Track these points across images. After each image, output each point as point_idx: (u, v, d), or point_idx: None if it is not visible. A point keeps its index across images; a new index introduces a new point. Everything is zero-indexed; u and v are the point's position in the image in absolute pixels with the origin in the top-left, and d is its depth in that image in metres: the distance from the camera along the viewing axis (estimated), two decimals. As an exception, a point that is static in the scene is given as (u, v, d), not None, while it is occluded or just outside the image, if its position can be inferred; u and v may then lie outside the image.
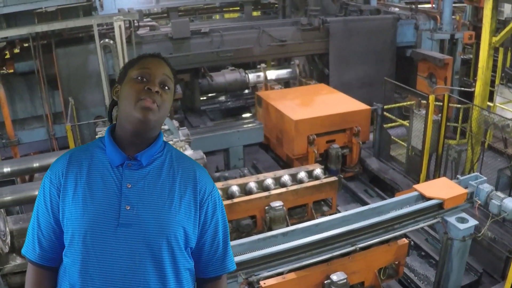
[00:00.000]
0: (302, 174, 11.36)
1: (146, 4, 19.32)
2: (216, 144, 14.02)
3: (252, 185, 10.89)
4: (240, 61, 17.94)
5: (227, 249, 3.19)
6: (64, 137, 13.36)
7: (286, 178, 11.21)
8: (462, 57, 18.07)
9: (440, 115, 12.47)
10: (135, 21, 14.40)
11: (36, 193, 3.02)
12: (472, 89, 14.23)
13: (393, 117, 14.99)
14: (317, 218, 9.74)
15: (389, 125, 15.13)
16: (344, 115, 13.90)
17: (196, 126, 16.57)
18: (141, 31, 15.69)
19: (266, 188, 10.94)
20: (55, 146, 14.42)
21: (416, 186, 8.51)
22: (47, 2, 12.91)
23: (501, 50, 15.50)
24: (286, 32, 17.29)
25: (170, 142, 9.63)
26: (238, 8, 23.00)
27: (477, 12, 18.73)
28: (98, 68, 13.23)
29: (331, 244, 7.37)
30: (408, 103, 15.46)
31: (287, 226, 9.91)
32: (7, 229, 7.74)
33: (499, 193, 8.25)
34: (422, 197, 8.23)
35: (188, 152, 9.68)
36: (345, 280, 7.44)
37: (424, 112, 12.61)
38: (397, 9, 20.31)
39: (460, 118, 15.01)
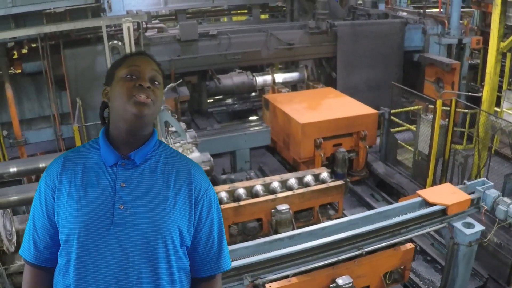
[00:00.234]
0: (308, 178, 11.35)
1: (154, 6, 19.32)
2: (223, 146, 14.02)
3: (259, 188, 10.88)
4: (248, 64, 17.91)
5: (222, 249, 3.19)
6: (71, 137, 13.38)
7: (292, 181, 11.20)
8: (469, 62, 18.05)
9: (447, 120, 12.45)
10: (144, 23, 14.40)
11: (42, 193, 3.04)
12: (480, 94, 14.22)
13: (400, 122, 14.96)
14: (323, 222, 9.71)
15: (396, 129, 15.09)
16: (351, 119, 13.90)
17: (203, 128, 16.55)
18: (149, 33, 15.69)
19: (273, 191, 10.93)
20: (62, 146, 14.43)
21: (419, 192, 8.47)
22: (55, 3, 12.92)
23: (508, 55, 15.50)
24: (294, 35, 17.28)
25: (177, 144, 9.65)
26: (246, 11, 23.00)
27: (485, 17, 18.70)
28: (105, 69, 13.20)
29: (337, 248, 7.35)
30: (415, 107, 15.42)
31: (293, 229, 9.88)
32: (13, 228, 7.76)
33: (505, 199, 8.23)
34: (426, 203, 8.19)
35: (195, 154, 9.68)
36: (350, 284, 7.44)
37: (431, 116, 12.59)
38: (405, 13, 20.27)
39: (467, 123, 14.99)
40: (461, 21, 18.07)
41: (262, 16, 22.50)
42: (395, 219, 7.77)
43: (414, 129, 13.89)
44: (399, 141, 14.77)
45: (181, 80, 13.60)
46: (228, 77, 18.01)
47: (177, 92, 15.40)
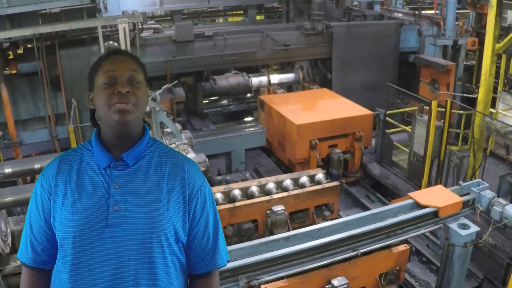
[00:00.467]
0: (304, 179, 11.35)
1: (149, 7, 19.34)
2: (218, 147, 14.02)
3: (254, 189, 10.88)
4: (243, 65, 17.89)
5: (218, 245, 3.17)
6: (66, 138, 13.38)
7: (288, 182, 11.20)
8: (465, 63, 18.10)
9: (442, 121, 12.47)
10: (139, 24, 14.40)
11: (38, 194, 3.04)
12: (475, 95, 14.22)
13: (396, 123, 14.97)
14: (318, 223, 9.72)
15: (391, 130, 15.10)
16: (346, 120, 13.90)
17: (198, 129, 16.55)
18: (144, 34, 15.68)
19: (268, 192, 10.93)
20: (57, 147, 14.42)
21: (411, 194, 8.45)
22: (51, 3, 12.91)
23: (504, 56, 15.51)
24: (289, 36, 17.29)
25: (173, 145, 9.63)
26: (242, 12, 23.06)
27: (481, 18, 18.77)
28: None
29: (333, 249, 7.36)
30: (411, 108, 15.44)
31: (289, 230, 9.90)
32: (8, 229, 7.73)
33: (501, 200, 8.24)
34: (417, 205, 8.18)
35: (191, 155, 9.66)
36: (346, 285, 7.44)
37: (426, 118, 12.60)
38: (400, 14, 20.32)
39: (462, 124, 15.00)
40: (456, 23, 18.11)
41: (258, 17, 22.56)
42: (390, 220, 7.77)
43: (410, 130, 13.89)
44: (394, 142, 14.77)
45: (176, 81, 13.58)
46: (224, 78, 18.02)
47: (172, 93, 15.40)
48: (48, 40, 13.86)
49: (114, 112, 2.80)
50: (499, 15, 11.96)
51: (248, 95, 19.95)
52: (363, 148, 14.19)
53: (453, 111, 13.33)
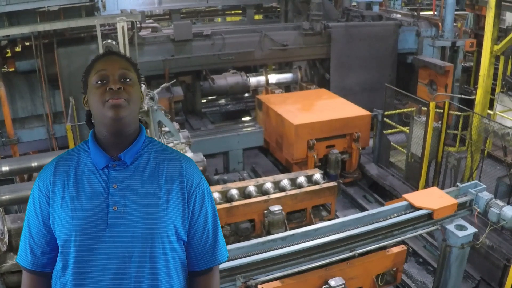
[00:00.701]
0: (301, 179, 11.34)
1: (148, 6, 19.36)
2: (216, 147, 14.02)
3: (251, 188, 10.86)
4: (242, 65, 17.92)
5: (217, 241, 3.18)
6: (64, 136, 13.37)
7: (285, 182, 11.19)
8: (463, 64, 18.12)
9: (440, 122, 12.46)
10: (138, 22, 14.39)
11: (35, 192, 3.03)
12: (473, 97, 14.23)
13: (393, 124, 14.99)
14: (315, 223, 9.72)
15: (389, 131, 15.12)
16: (344, 121, 13.91)
17: (197, 128, 16.55)
18: (143, 33, 15.68)
19: (265, 192, 10.92)
20: (55, 145, 14.42)
21: (405, 196, 8.42)
22: (49, 1, 12.92)
23: (502, 58, 15.53)
24: (287, 36, 17.30)
25: (171, 145, 9.62)
26: (240, 11, 23.03)
27: (479, 20, 18.80)
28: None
29: (330, 249, 7.35)
30: (409, 109, 15.45)
31: (286, 230, 9.88)
32: (5, 228, 7.72)
33: (498, 201, 8.23)
34: (411, 207, 8.17)
35: (189, 154, 9.65)
36: (343, 286, 7.43)
37: (424, 119, 12.60)
38: (399, 15, 20.34)
39: (460, 125, 15.02)
40: (455, 24, 18.13)
41: (256, 17, 22.55)
42: (383, 222, 7.76)
43: (407, 131, 13.90)
44: (392, 143, 14.79)
45: (174, 80, 13.58)
46: (222, 78, 18.03)
47: (171, 92, 15.40)
48: (46, 38, 13.86)
49: (108, 108, 2.81)
50: (498, 16, 11.96)
51: (246, 94, 19.96)
52: (360, 148, 14.21)
53: (451, 112, 13.36)
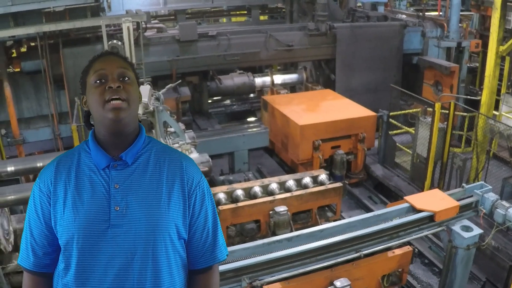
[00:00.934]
0: (307, 179, 11.33)
1: (153, 6, 19.37)
2: (221, 147, 14.01)
3: (257, 189, 10.87)
4: (247, 65, 17.92)
5: (217, 239, 3.19)
6: (69, 137, 13.38)
7: (290, 183, 11.19)
8: (468, 65, 18.08)
9: (445, 123, 12.45)
10: (143, 23, 14.40)
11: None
12: (478, 98, 14.22)
13: (399, 124, 14.97)
14: (321, 224, 9.72)
15: (395, 132, 15.10)
16: (349, 121, 13.90)
17: (204, 128, 16.56)
18: (148, 33, 15.70)
19: (271, 193, 10.92)
20: (60, 146, 14.44)
21: (407, 198, 8.37)
22: (55, 2, 12.94)
23: (507, 59, 15.48)
24: (293, 37, 17.30)
25: (176, 145, 9.63)
26: (246, 12, 23.03)
27: (484, 20, 18.74)
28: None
29: (335, 250, 7.34)
30: (414, 110, 15.43)
31: (291, 231, 9.89)
32: (11, 228, 7.74)
33: (504, 202, 8.21)
34: (413, 209, 8.13)
35: (194, 155, 9.67)
36: (348, 287, 7.42)
37: (429, 119, 12.59)
38: (404, 16, 20.33)
39: (466, 126, 14.98)
40: (460, 24, 18.10)
41: (262, 17, 22.56)
42: (388, 223, 7.74)
43: (413, 131, 13.88)
44: (397, 144, 14.77)
45: (180, 81, 13.58)
46: (229, 78, 18.04)
47: (178, 92, 15.41)
48: (51, 39, 13.88)
49: (108, 110, 2.81)
50: (503, 17, 11.94)
51: (251, 95, 19.96)
52: (366, 149, 14.18)
53: (456, 113, 13.34)
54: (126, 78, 2.93)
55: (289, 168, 14.63)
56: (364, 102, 15.33)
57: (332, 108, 14.80)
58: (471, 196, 8.44)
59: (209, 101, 18.99)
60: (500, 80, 14.22)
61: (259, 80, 18.26)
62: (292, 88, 19.04)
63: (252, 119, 19.13)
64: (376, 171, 14.50)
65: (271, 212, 10.52)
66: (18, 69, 14.37)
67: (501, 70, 13.87)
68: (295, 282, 7.20)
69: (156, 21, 18.81)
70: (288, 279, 7.14)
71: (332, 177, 12.89)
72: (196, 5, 20.98)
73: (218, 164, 14.25)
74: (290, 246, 7.14)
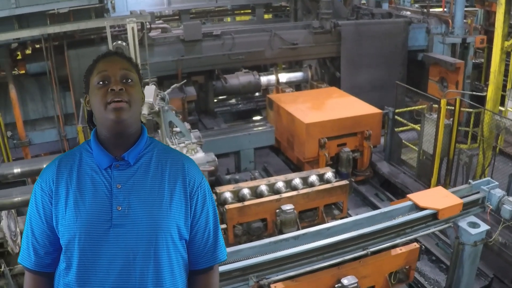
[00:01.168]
0: (313, 178, 11.34)
1: (157, 7, 19.40)
2: (227, 146, 14.01)
3: (263, 188, 10.88)
4: (252, 64, 17.89)
5: (218, 240, 3.21)
6: (75, 138, 13.41)
7: (297, 181, 11.19)
8: (473, 61, 18.05)
9: (451, 119, 12.43)
10: (147, 23, 14.41)
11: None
12: (484, 94, 14.19)
13: (405, 121, 14.94)
14: (328, 222, 9.72)
15: (400, 129, 15.07)
16: (355, 119, 13.89)
17: (210, 128, 16.57)
18: (152, 33, 15.70)
19: (277, 191, 10.92)
20: (66, 147, 14.46)
21: (410, 196, 8.32)
22: (59, 3, 12.95)
23: (513, 54, 15.48)
24: (297, 35, 17.28)
25: (182, 145, 9.64)
26: (250, 11, 23.05)
27: (489, 16, 18.70)
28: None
29: (342, 248, 7.33)
30: (420, 107, 15.41)
31: (298, 229, 9.88)
32: (18, 229, 7.76)
33: (511, 198, 8.19)
34: (416, 207, 8.09)
35: (200, 154, 9.68)
36: (356, 284, 7.42)
37: (435, 116, 12.57)
38: (408, 12, 20.29)
39: (472, 122, 14.95)
40: (465, 20, 18.06)
41: (266, 16, 22.57)
42: (394, 220, 7.73)
43: (419, 128, 13.86)
44: (403, 141, 14.74)
45: (185, 81, 13.59)
46: (235, 77, 18.02)
47: (184, 92, 15.43)
48: (56, 40, 13.91)
49: (110, 111, 2.82)
50: (508, 12, 11.92)
51: (257, 94, 19.94)
52: (372, 146, 14.17)
53: (462, 109, 13.30)
54: (129, 80, 2.93)
55: (295, 167, 14.62)
56: (369, 99, 15.31)
57: (337, 106, 14.80)
58: (478, 192, 8.43)
59: (215, 100, 18.99)
60: (506, 75, 14.22)
61: (264, 79, 18.23)
62: (297, 86, 19.01)
63: (257, 118, 19.13)
64: (382, 168, 14.50)
65: (277, 210, 10.52)
66: (23, 71, 14.39)
67: (507, 65, 13.86)
68: (302, 280, 7.21)
69: (160, 21, 18.80)
70: (295, 278, 7.15)
71: (338, 175, 12.87)
72: (200, 4, 20.99)
73: (224, 163, 14.26)
74: (297, 245, 7.14)
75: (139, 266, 2.84)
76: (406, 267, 8.44)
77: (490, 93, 12.49)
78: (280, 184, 11.02)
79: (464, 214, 8.18)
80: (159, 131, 9.48)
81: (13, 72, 14.15)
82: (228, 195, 10.60)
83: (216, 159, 9.96)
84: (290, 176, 11.54)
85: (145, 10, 15.42)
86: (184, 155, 3.18)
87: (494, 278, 10.17)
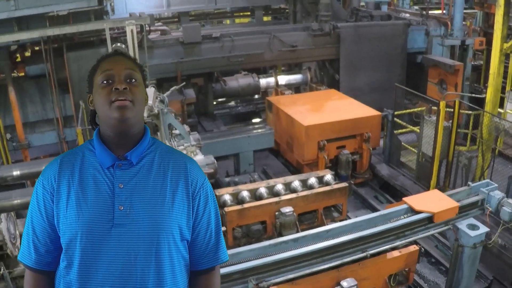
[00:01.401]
0: (312, 180, 11.34)
1: (157, 9, 19.40)
2: (226, 149, 14.02)
3: (262, 190, 10.88)
4: (251, 66, 17.90)
5: (220, 240, 3.20)
6: (74, 140, 13.40)
7: (296, 183, 11.19)
8: (472, 63, 18.04)
9: (450, 121, 12.44)
10: (147, 26, 14.41)
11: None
12: (483, 96, 14.20)
13: (404, 123, 14.93)
14: (327, 224, 9.72)
15: (400, 131, 15.07)
16: (354, 121, 13.90)
17: (209, 130, 16.57)
18: (152, 36, 15.71)
19: (276, 194, 10.93)
20: (66, 149, 14.42)
21: (405, 199, 8.32)
22: (58, 6, 12.93)
23: (512, 56, 15.48)
24: (297, 37, 17.28)
25: (181, 147, 9.64)
26: (249, 13, 23.05)
27: (488, 18, 18.72)
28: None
29: (342, 250, 7.34)
30: (419, 109, 15.43)
31: (297, 232, 9.90)
32: (17, 232, 7.76)
33: (510, 200, 8.19)
34: (412, 211, 8.08)
35: (199, 157, 9.67)
36: (355, 287, 7.43)
37: (434, 118, 12.58)
38: (407, 15, 20.31)
39: (471, 124, 14.95)
40: (464, 22, 18.07)
41: (265, 18, 22.57)
42: (393, 223, 7.73)
43: (418, 130, 13.86)
44: (402, 143, 14.74)
45: (184, 83, 13.59)
46: (234, 79, 18.02)
47: (183, 94, 15.43)
48: (55, 43, 13.89)
49: (114, 109, 2.82)
50: (507, 14, 11.92)
51: (256, 96, 19.96)
52: (371, 149, 14.19)
53: (461, 111, 13.30)
54: (133, 80, 2.93)
55: (295, 169, 14.63)
56: (368, 101, 15.33)
57: (336, 108, 14.81)
58: (477, 194, 8.43)
59: (214, 102, 19.00)
60: (505, 77, 14.21)
61: (263, 81, 18.25)
62: (296, 88, 19.05)
63: (257, 120, 19.12)
64: (382, 170, 14.51)
65: (277, 213, 10.53)
66: (23, 74, 14.39)
67: (506, 67, 13.86)
68: (301, 282, 7.21)
69: (159, 23, 18.84)
70: (294, 280, 7.15)
71: (338, 177, 12.90)
72: (200, 7, 20.99)
73: (223, 166, 14.26)
74: (297, 247, 7.15)
75: (140, 266, 2.83)
76: (406, 269, 8.45)
77: (489, 95, 12.49)
78: (279, 187, 11.02)
79: (463, 216, 8.18)
80: (158, 133, 9.48)
81: (13, 74, 14.14)
82: (227, 197, 10.60)
83: (216, 161, 9.95)
84: (289, 178, 11.54)
85: (145, 12, 15.40)
86: (187, 156, 3.18)
87: (493, 280, 10.18)
